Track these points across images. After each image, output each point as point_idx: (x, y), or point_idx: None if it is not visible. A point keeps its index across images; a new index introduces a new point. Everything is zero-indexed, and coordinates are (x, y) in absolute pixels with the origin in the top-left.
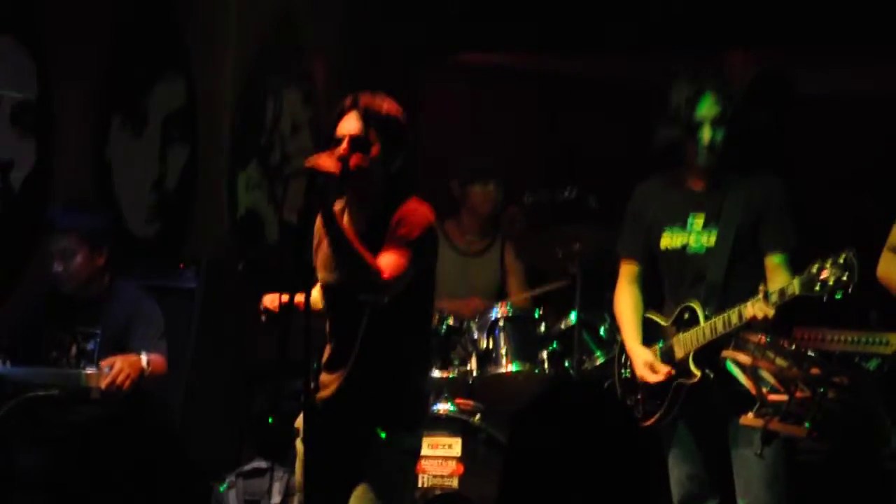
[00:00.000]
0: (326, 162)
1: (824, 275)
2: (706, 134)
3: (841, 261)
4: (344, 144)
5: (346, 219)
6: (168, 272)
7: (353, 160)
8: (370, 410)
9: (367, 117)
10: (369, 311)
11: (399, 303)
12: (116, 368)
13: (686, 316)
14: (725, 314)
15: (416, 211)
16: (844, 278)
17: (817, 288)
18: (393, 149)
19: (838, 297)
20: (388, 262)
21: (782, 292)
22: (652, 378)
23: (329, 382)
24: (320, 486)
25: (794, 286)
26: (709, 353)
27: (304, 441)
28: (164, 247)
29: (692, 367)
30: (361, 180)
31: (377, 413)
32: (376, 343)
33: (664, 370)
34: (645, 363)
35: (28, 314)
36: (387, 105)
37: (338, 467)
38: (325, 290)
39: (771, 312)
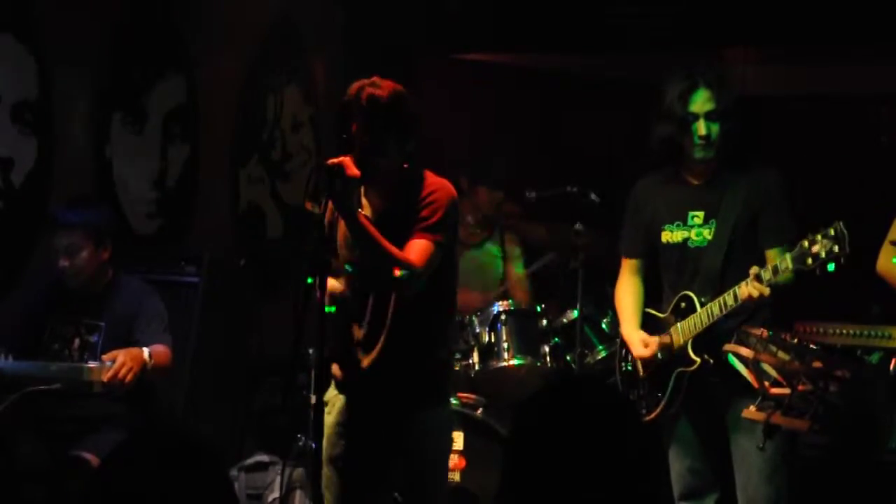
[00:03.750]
0: (349, 164)
1: (816, 248)
2: (701, 129)
3: (832, 232)
4: (356, 144)
5: (362, 201)
6: (170, 267)
7: (365, 158)
8: (404, 387)
9: (371, 114)
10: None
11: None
12: (119, 362)
13: (683, 305)
14: (721, 297)
15: (440, 188)
16: (836, 249)
17: (809, 261)
18: (402, 135)
19: (831, 268)
20: (419, 250)
21: (775, 269)
22: (647, 353)
23: (359, 361)
24: (352, 461)
25: (787, 261)
26: (707, 340)
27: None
28: (166, 242)
29: (691, 353)
30: (376, 173)
31: (411, 389)
32: (406, 320)
33: (654, 340)
34: (640, 341)
35: (30, 308)
36: (388, 93)
37: (372, 445)
38: (351, 268)
39: (767, 291)
